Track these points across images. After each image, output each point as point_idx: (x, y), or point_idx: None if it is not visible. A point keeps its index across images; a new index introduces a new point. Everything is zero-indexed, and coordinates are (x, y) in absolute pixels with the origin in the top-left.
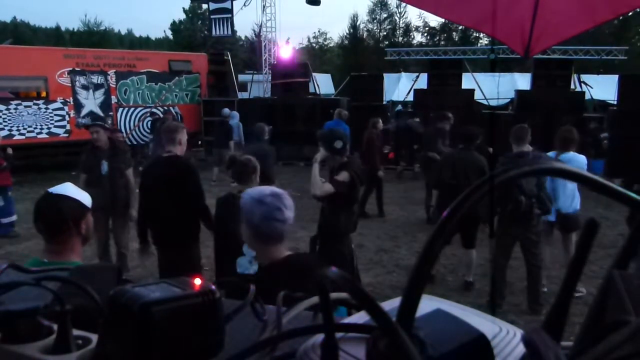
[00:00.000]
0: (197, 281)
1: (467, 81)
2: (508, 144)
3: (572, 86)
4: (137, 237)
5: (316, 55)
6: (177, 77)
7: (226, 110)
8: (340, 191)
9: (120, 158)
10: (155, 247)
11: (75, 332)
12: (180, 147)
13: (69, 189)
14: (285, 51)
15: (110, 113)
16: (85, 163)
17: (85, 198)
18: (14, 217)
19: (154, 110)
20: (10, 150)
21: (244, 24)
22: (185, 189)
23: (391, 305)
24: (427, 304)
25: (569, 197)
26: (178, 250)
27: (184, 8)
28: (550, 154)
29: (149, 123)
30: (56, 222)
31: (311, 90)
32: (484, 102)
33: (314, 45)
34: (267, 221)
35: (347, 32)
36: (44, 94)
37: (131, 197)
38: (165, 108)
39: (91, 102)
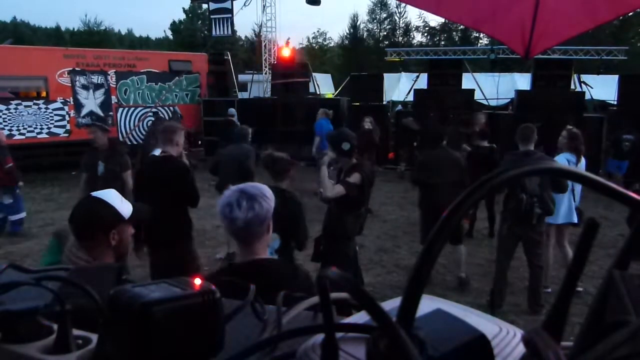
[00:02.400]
0: (197, 281)
1: (467, 81)
2: (508, 144)
3: (572, 86)
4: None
5: (316, 55)
6: (177, 77)
7: (232, 110)
8: (351, 193)
9: (117, 160)
10: (147, 247)
11: (75, 332)
12: (176, 147)
13: (109, 195)
14: (285, 51)
15: (110, 113)
16: (86, 163)
17: (124, 208)
18: (22, 215)
19: (156, 109)
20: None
21: (244, 24)
22: (181, 190)
23: (391, 305)
24: (427, 304)
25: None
26: (170, 251)
27: (184, 8)
28: (568, 156)
29: (149, 123)
30: (82, 225)
31: (311, 90)
32: (484, 102)
33: (314, 45)
34: (221, 215)
35: (347, 32)
36: (44, 94)
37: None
38: (160, 109)
39: (91, 102)
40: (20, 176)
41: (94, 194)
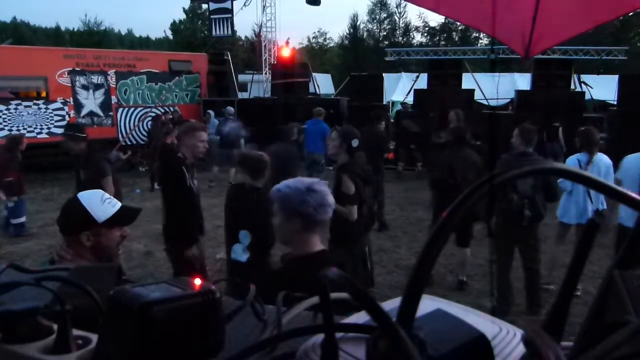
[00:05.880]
0: (197, 281)
1: (467, 81)
2: (508, 144)
3: (572, 86)
4: None
5: (316, 55)
6: (177, 77)
7: (230, 109)
8: (352, 203)
9: (92, 169)
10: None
11: (75, 332)
12: (187, 149)
13: (90, 196)
14: (285, 51)
15: (110, 113)
16: (74, 167)
17: (100, 212)
18: (22, 219)
19: (155, 110)
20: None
21: (244, 24)
22: (169, 192)
23: (391, 305)
24: (427, 304)
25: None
26: (174, 251)
27: (184, 8)
28: (579, 156)
29: (149, 123)
30: (59, 222)
31: (311, 90)
32: (484, 102)
33: (314, 45)
34: (323, 207)
35: (347, 32)
36: (44, 94)
37: None
38: (160, 109)
39: (91, 102)
40: (17, 192)
41: (80, 194)
